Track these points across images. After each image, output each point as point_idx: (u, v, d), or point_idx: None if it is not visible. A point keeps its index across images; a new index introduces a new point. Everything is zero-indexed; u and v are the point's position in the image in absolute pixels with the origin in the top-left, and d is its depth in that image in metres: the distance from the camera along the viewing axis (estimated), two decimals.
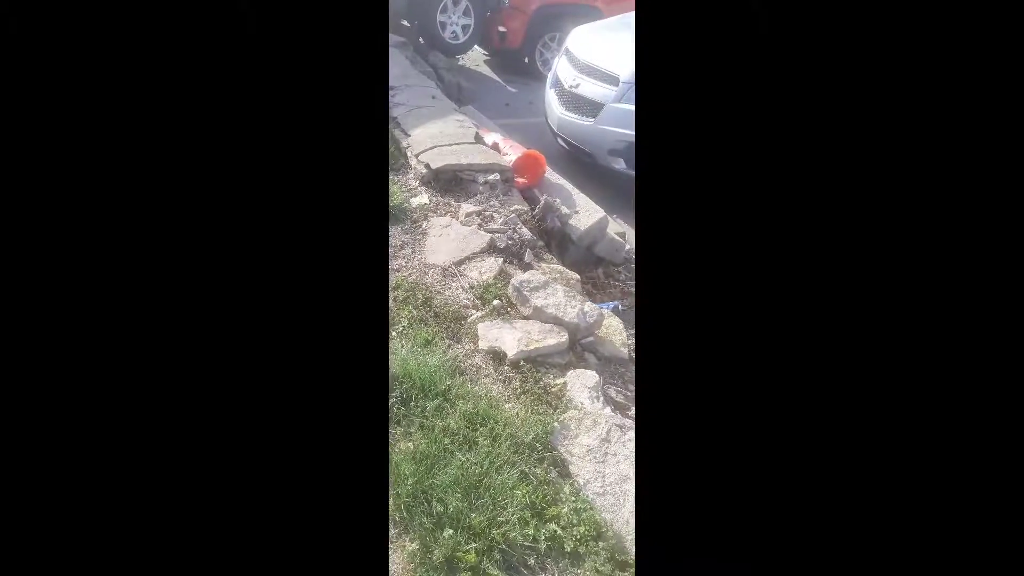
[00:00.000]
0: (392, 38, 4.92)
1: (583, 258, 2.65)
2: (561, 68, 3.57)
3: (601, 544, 1.27)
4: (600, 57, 3.30)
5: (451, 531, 1.23)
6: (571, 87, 3.37)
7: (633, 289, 2.53)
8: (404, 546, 1.25)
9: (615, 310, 2.24)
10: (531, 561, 1.25)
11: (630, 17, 3.76)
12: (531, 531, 1.26)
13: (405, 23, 5.29)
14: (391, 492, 1.33)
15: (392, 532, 1.29)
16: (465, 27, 5.02)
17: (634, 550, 1.26)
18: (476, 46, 5.43)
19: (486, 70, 5.61)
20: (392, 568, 1.23)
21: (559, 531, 1.28)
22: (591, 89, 3.27)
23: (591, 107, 3.27)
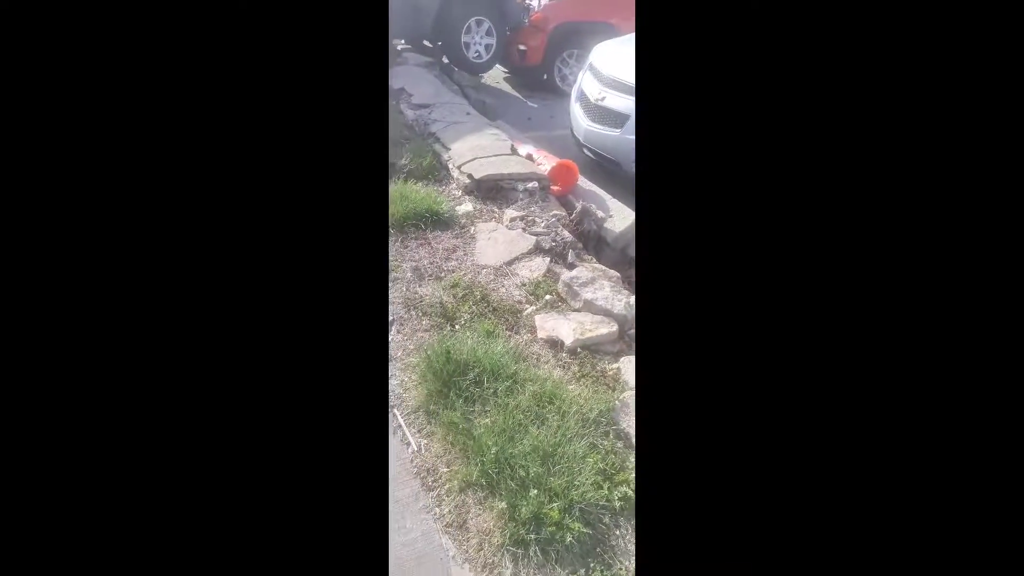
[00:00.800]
0: (419, 58, 5.16)
1: (619, 259, 2.81)
2: (586, 82, 3.76)
3: None
4: (624, 71, 3.49)
5: (535, 491, 1.38)
6: (597, 100, 3.55)
7: None
8: (493, 506, 1.40)
9: None
10: (606, 519, 1.39)
11: None
12: (605, 492, 1.41)
13: (428, 44, 5.55)
14: (474, 462, 1.48)
15: (480, 495, 1.44)
16: (488, 46, 5.25)
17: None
18: (497, 64, 5.65)
19: (506, 87, 5.83)
20: (483, 525, 1.38)
21: (630, 492, 1.42)
22: (616, 102, 3.45)
23: (617, 118, 3.45)
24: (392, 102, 4.04)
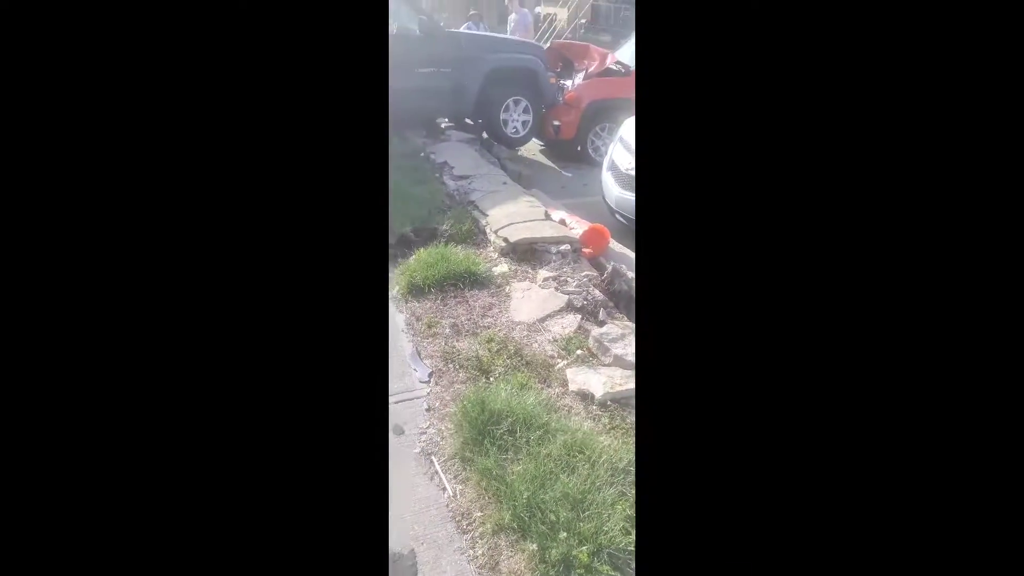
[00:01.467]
0: (461, 135, 5.58)
1: None
2: (617, 154, 3.99)
3: None
4: None
5: (565, 534, 1.42)
6: (627, 170, 3.76)
7: None
8: (524, 548, 1.45)
9: None
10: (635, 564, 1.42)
11: None
12: (634, 538, 1.44)
13: (469, 121, 5.98)
14: (507, 506, 1.54)
15: (512, 538, 1.49)
16: (524, 123, 5.64)
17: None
18: (533, 138, 6.02)
19: (542, 159, 6.17)
20: (515, 567, 1.43)
21: None
22: None
23: None
24: (435, 175, 4.36)
